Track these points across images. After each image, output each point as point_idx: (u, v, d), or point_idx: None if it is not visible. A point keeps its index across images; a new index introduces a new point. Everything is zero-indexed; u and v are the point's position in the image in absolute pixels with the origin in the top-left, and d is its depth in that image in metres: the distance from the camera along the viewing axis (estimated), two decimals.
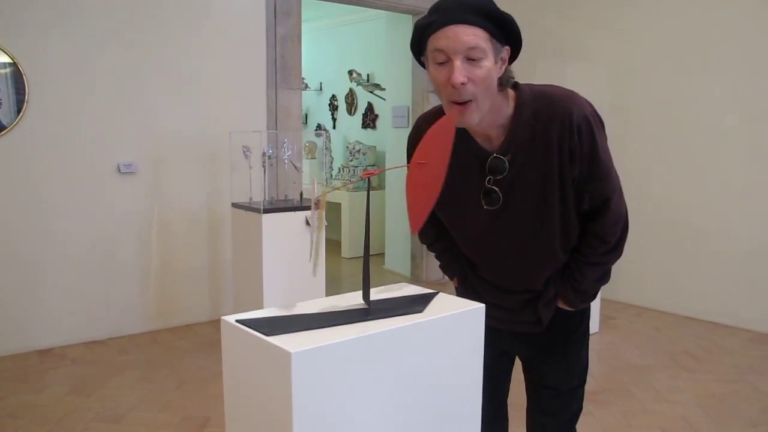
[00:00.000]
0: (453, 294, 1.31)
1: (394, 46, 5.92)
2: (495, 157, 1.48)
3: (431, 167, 1.21)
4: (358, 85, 7.28)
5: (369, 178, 1.18)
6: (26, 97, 3.67)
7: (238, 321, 1.10)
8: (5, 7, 3.60)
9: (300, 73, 4.81)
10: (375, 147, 7.03)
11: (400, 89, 5.83)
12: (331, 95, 7.92)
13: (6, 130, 3.63)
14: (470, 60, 1.34)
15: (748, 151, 4.26)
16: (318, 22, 7.61)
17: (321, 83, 8.07)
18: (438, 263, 1.86)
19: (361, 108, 7.46)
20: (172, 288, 4.31)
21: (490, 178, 1.49)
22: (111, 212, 4.03)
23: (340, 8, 6.09)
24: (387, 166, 6.19)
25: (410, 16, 5.56)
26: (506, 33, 1.39)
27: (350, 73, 7.24)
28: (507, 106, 1.47)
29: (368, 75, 7.25)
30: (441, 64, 1.36)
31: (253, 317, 1.12)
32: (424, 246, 5.50)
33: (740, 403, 3.14)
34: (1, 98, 3.61)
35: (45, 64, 3.73)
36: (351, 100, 7.59)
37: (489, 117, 1.44)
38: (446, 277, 1.85)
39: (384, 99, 6.68)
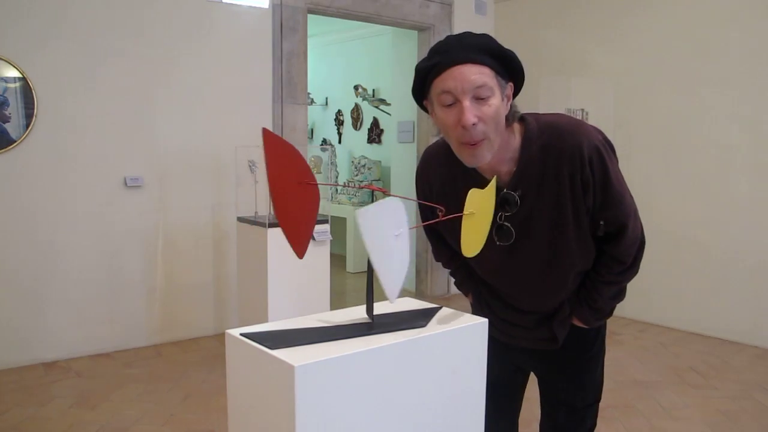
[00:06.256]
0: (457, 309, 1.31)
1: (399, 61, 5.96)
2: (505, 192, 1.46)
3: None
4: (363, 100, 7.32)
5: (374, 192, 1.19)
6: (35, 111, 3.71)
7: (242, 334, 1.10)
8: (15, 23, 3.65)
9: (306, 88, 4.84)
10: (380, 162, 7.06)
11: (406, 104, 5.86)
12: (336, 110, 7.96)
13: (15, 144, 3.66)
14: (478, 99, 1.32)
15: (753, 166, 4.25)
16: (324, 37, 7.68)
17: (327, 98, 8.11)
18: (447, 278, 1.86)
19: (367, 123, 7.50)
20: (177, 302, 4.32)
21: (501, 214, 1.48)
22: (117, 226, 4.05)
23: (345, 24, 6.15)
24: (393, 182, 6.20)
25: (416, 32, 5.60)
26: (509, 69, 1.38)
27: (356, 88, 7.28)
28: (514, 140, 1.45)
29: (374, 90, 7.29)
30: (449, 106, 1.35)
31: (257, 331, 1.12)
32: (429, 261, 5.50)
33: (747, 421, 3.11)
34: (10, 113, 3.64)
35: (54, 79, 3.78)
36: (356, 115, 7.63)
37: (498, 153, 1.42)
38: (449, 292, 1.85)
39: (389, 114, 6.71)
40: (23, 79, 3.67)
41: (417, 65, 1.41)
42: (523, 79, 1.41)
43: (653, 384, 3.59)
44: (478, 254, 1.54)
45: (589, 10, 5.16)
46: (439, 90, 1.35)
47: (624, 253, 1.52)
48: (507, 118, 1.40)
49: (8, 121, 3.64)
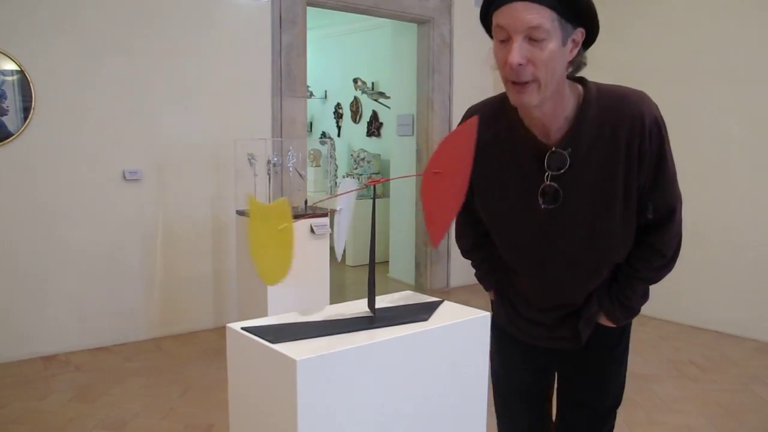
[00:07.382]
0: (457, 303, 1.30)
1: (399, 54, 5.94)
2: (554, 150, 1.38)
3: (450, 177, 1.13)
4: (362, 93, 7.31)
5: (374, 186, 1.18)
6: (33, 104, 3.69)
7: (243, 328, 1.10)
8: (13, 15, 3.63)
9: (305, 81, 4.82)
10: (379, 155, 7.05)
11: (405, 97, 5.84)
12: (335, 103, 7.95)
13: (12, 137, 3.65)
14: (532, 40, 1.25)
15: (754, 158, 4.25)
16: (323, 30, 7.65)
17: (326, 91, 8.09)
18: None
19: (366, 116, 7.48)
20: (176, 295, 4.31)
21: (548, 174, 1.40)
22: (116, 219, 4.04)
23: (345, 17, 6.12)
24: (393, 176, 6.19)
25: (415, 25, 5.58)
26: (577, 13, 1.29)
27: (355, 81, 7.27)
28: (572, 99, 1.39)
29: (373, 83, 7.28)
30: (502, 41, 1.29)
31: (258, 325, 1.12)
32: (428, 254, 5.45)
33: (746, 414, 3.12)
34: (7, 105, 3.63)
35: (52, 72, 3.75)
36: (356, 108, 7.62)
37: (551, 105, 1.35)
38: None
39: (389, 107, 6.69)
40: (21, 72, 3.65)
41: None
42: (598, 26, 1.35)
43: (652, 377, 3.59)
44: (517, 221, 1.48)
45: None
46: (495, 23, 1.29)
47: (667, 244, 1.46)
48: (573, 64, 1.35)
49: (5, 114, 3.62)
